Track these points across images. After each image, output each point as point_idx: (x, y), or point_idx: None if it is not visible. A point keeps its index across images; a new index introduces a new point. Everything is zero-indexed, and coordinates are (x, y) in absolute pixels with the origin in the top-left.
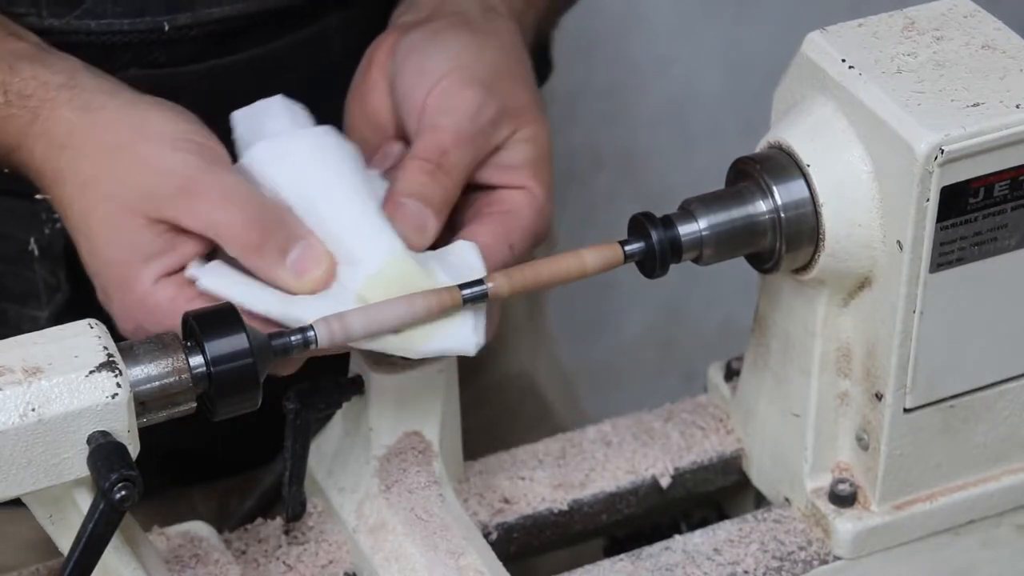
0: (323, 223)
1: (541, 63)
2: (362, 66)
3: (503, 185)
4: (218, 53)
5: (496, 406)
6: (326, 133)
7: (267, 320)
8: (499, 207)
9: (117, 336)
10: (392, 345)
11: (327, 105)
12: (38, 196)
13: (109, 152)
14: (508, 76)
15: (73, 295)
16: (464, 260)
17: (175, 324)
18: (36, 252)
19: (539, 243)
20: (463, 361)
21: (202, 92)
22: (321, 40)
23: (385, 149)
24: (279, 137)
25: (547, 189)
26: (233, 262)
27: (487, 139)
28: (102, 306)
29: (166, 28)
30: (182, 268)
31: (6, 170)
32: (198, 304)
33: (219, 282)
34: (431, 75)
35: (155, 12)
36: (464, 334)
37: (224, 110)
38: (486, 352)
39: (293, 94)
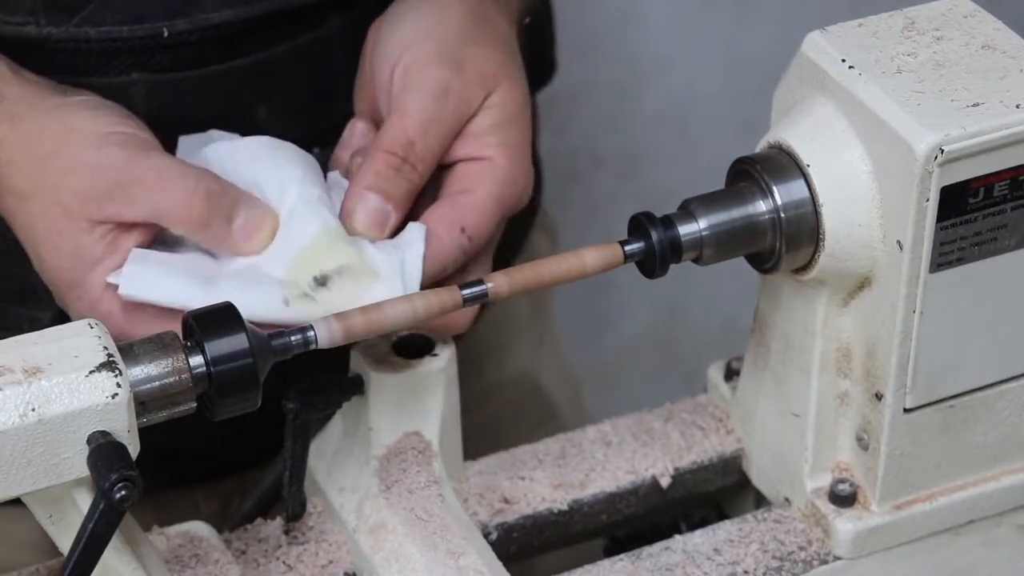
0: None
1: (544, 63)
2: (361, 58)
3: (465, 157)
4: (220, 58)
5: (499, 406)
6: (271, 139)
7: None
8: (456, 186)
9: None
10: (317, 310)
11: (330, 111)
12: None
13: (40, 163)
14: (475, 40)
15: None
16: (404, 239)
17: (132, 329)
18: None
19: (511, 209)
20: (465, 361)
21: (205, 97)
22: (322, 45)
23: (347, 132)
24: (222, 141)
25: (512, 153)
26: (164, 245)
27: (457, 117)
28: None
29: (165, 34)
30: None
31: None
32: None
33: (137, 285)
34: (395, 50)
35: (153, 19)
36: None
37: (227, 116)
38: (488, 351)
39: (295, 100)
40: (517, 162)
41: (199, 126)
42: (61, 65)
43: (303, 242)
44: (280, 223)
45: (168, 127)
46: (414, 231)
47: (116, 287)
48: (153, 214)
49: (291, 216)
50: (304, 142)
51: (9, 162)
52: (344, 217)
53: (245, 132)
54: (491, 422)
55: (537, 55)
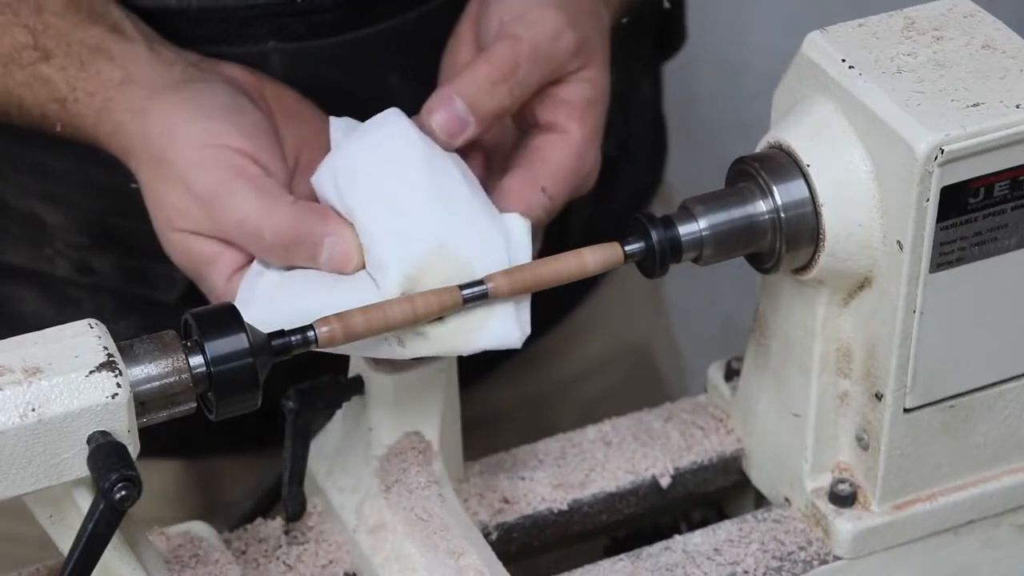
0: (370, 224)
1: (674, 32)
2: (458, 23)
3: (545, 124)
4: (354, 26)
5: (614, 376)
6: (393, 135)
7: None
8: (533, 155)
9: (119, 336)
10: (431, 347)
11: None
12: (133, 185)
13: (152, 166)
14: (584, 12)
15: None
16: (510, 237)
17: (268, 313)
18: None
19: (582, 186)
20: (590, 323)
21: (339, 65)
22: (452, 11)
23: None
24: (349, 147)
25: (589, 131)
26: None
27: (560, 65)
28: None
29: (298, 0)
30: (250, 260)
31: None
32: None
33: (252, 311)
34: (513, 4)
35: None
36: (507, 326)
37: (359, 83)
38: (605, 321)
39: (426, 66)
40: (591, 143)
41: (332, 94)
42: (200, 35)
43: (406, 268)
44: (375, 242)
45: (303, 94)
46: (517, 226)
47: (238, 279)
48: (240, 245)
49: (395, 236)
50: None
51: (136, 155)
52: (423, 113)
53: (376, 98)
54: (605, 393)
55: (668, 25)
